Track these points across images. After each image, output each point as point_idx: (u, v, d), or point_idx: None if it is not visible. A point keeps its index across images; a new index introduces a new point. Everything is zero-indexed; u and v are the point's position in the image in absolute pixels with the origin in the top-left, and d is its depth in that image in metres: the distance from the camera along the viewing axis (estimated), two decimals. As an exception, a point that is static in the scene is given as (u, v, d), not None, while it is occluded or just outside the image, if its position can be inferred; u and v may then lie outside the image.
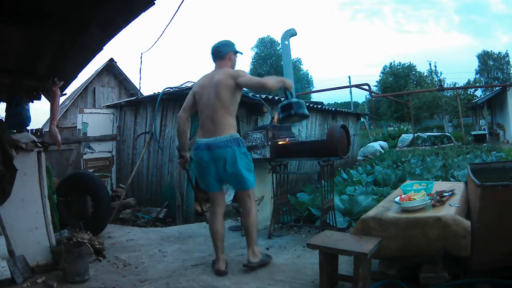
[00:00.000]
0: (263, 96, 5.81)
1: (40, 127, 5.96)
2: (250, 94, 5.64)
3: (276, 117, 3.37)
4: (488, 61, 37.06)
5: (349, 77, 39.46)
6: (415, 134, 15.70)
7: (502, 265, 2.19)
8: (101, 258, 3.31)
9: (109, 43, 2.97)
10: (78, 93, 12.32)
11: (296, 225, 4.18)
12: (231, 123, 2.91)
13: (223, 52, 3.04)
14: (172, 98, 5.52)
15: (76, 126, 6.61)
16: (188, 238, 4.07)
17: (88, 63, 3.65)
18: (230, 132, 2.87)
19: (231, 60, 3.08)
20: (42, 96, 4.41)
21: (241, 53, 3.19)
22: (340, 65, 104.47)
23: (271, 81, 2.91)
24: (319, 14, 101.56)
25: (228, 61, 3.05)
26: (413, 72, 36.14)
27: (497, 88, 18.89)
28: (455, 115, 24.55)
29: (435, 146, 14.04)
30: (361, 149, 13.00)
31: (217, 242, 2.96)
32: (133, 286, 2.71)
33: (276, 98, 6.15)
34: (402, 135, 16.94)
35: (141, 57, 7.63)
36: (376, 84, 38.67)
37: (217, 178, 2.94)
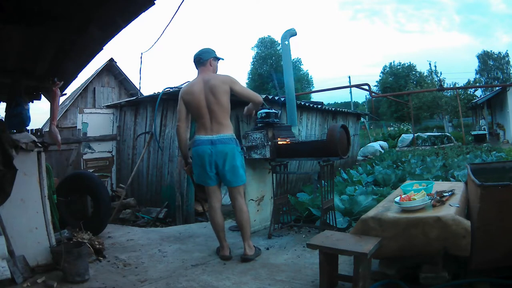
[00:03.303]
0: (263, 96, 5.80)
1: (40, 127, 5.95)
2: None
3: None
4: (488, 61, 36.99)
5: (349, 77, 39.37)
6: (415, 134, 15.68)
7: (502, 265, 2.18)
8: (101, 258, 3.31)
9: (109, 43, 2.97)
10: (78, 93, 12.32)
11: (296, 225, 4.18)
12: (230, 124, 3.22)
13: (203, 59, 3.26)
14: (172, 98, 5.51)
15: (76, 126, 6.61)
16: (188, 238, 4.07)
17: (88, 63, 3.66)
18: (230, 132, 3.18)
19: (212, 65, 3.30)
20: (42, 96, 4.41)
21: (222, 59, 3.43)
22: (340, 65, 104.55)
23: (260, 99, 3.39)
24: (319, 14, 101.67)
25: (209, 66, 3.28)
26: (413, 72, 36.11)
27: (497, 88, 18.88)
28: (455, 115, 24.54)
29: (435, 146, 14.01)
30: (361, 149, 12.99)
31: (220, 233, 3.28)
32: (133, 286, 2.71)
33: (276, 98, 6.15)
34: (402, 135, 16.93)
35: (141, 57, 7.62)
36: (376, 84, 38.67)
37: (215, 171, 3.18)
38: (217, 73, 3.36)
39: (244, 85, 3.40)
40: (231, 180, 3.19)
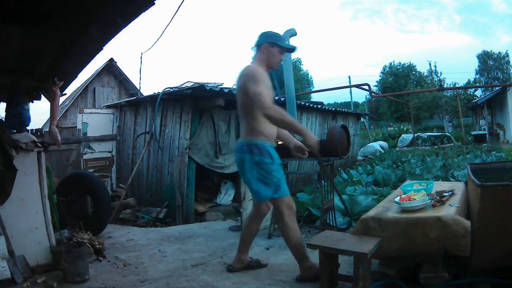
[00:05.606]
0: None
1: (40, 127, 5.95)
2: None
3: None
4: (488, 61, 37.04)
5: (349, 77, 39.32)
6: (415, 134, 15.69)
7: (502, 265, 2.18)
8: (101, 258, 3.30)
9: (109, 43, 2.98)
10: (78, 93, 12.32)
11: (296, 225, 4.17)
12: (253, 126, 2.62)
13: (257, 43, 2.75)
14: (172, 98, 5.52)
15: (76, 126, 6.62)
16: (188, 238, 4.07)
17: (88, 63, 3.67)
18: (248, 137, 2.64)
19: (266, 52, 2.71)
20: (42, 96, 4.42)
21: (288, 47, 2.83)
22: (340, 65, 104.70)
23: (265, 111, 2.42)
24: (319, 14, 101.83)
25: (262, 53, 2.72)
26: (413, 72, 36.17)
27: (497, 88, 18.89)
28: (455, 115, 24.57)
29: (435, 146, 14.02)
30: (361, 149, 12.99)
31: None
32: (133, 286, 2.71)
33: (282, 99, 6.13)
34: (402, 135, 16.94)
35: (141, 57, 7.65)
36: (376, 84, 38.73)
37: None
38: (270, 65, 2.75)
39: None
40: (252, 194, 2.79)
